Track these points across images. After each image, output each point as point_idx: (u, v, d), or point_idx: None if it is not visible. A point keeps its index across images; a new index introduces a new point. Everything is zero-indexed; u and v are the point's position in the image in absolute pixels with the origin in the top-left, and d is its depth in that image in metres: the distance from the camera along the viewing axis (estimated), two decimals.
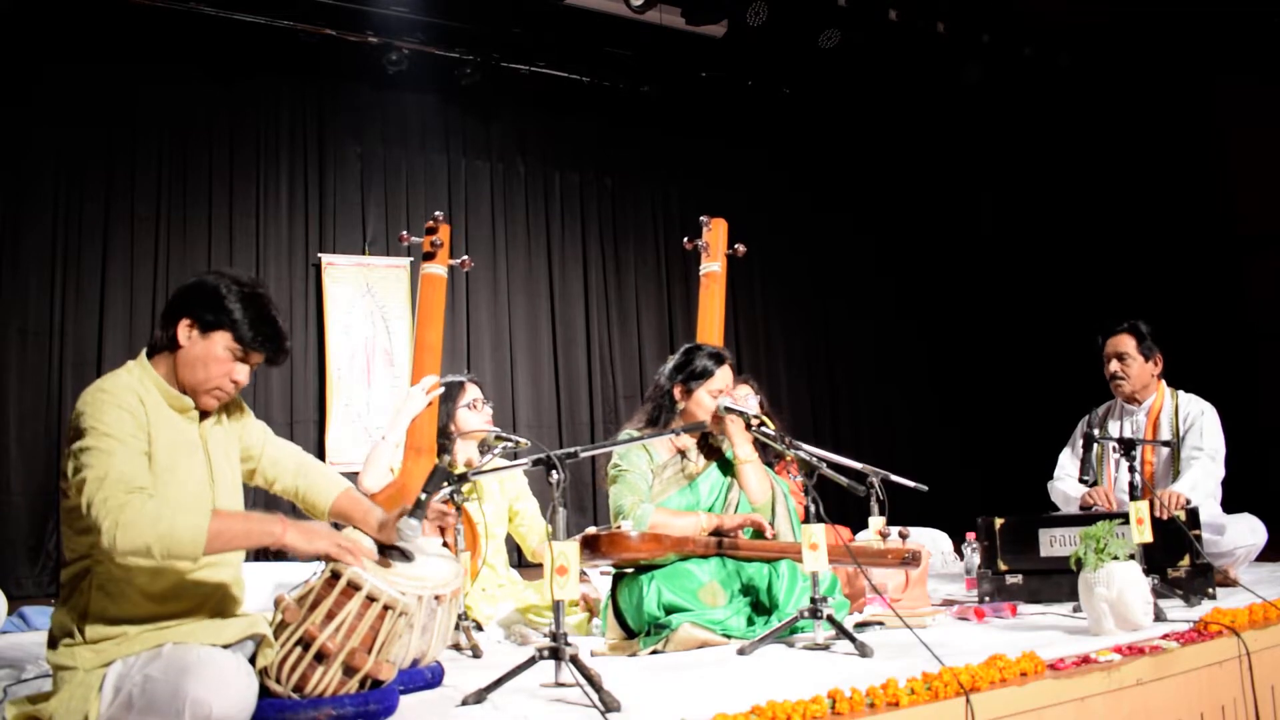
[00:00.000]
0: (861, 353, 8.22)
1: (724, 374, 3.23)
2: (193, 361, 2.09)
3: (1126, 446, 3.27)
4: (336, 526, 2.35)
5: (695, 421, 3.15)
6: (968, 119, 7.87)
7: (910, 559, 3.26)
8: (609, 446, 3.06)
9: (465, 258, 3.67)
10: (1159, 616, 2.84)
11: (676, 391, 3.24)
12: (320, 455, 6.21)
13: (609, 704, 2.03)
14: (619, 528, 2.91)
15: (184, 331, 2.09)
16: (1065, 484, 4.07)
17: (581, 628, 3.37)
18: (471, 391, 3.68)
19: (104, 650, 1.98)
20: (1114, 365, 3.96)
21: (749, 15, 6.08)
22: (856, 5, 6.31)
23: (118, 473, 1.92)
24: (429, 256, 3.58)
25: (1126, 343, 3.94)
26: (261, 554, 5.10)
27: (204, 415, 2.19)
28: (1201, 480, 3.76)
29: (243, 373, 2.12)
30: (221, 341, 2.09)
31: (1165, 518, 3.34)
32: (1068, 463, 4.13)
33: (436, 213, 3.63)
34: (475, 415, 3.64)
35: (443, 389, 3.56)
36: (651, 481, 3.16)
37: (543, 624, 3.25)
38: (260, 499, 5.57)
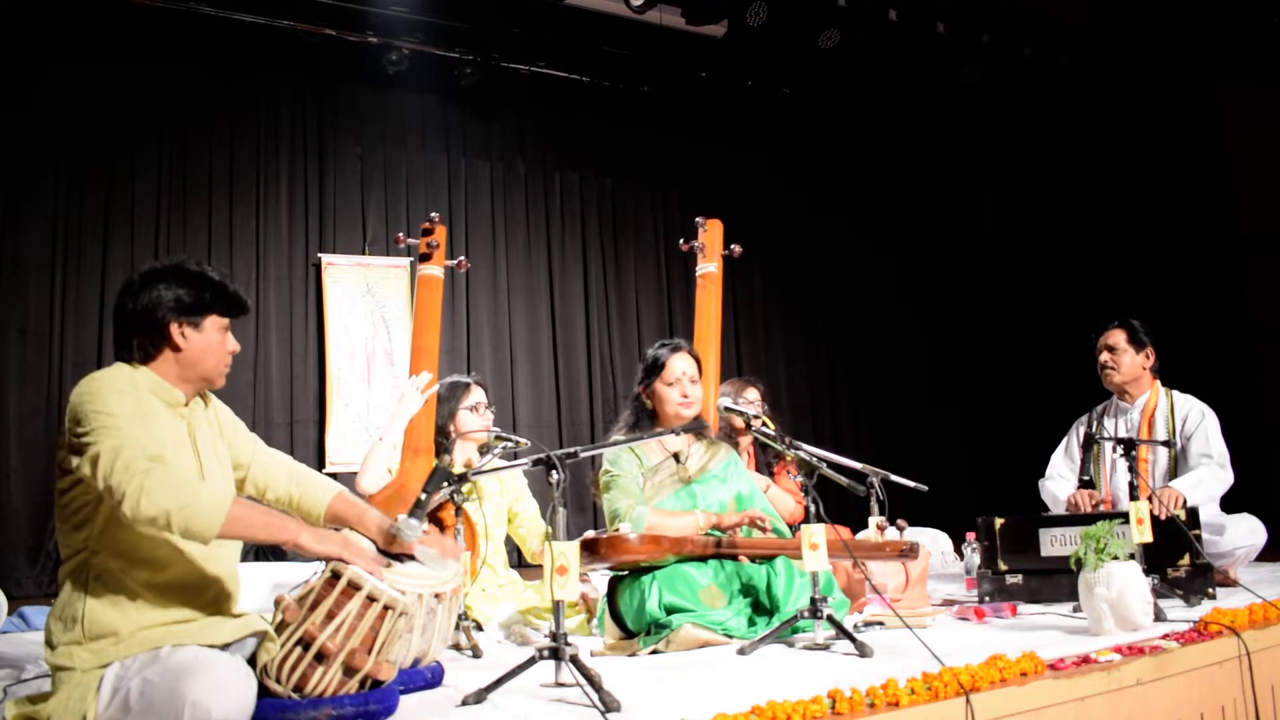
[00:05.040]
0: (861, 353, 8.22)
1: (679, 361, 3.20)
2: (200, 354, 2.15)
3: (1126, 446, 3.27)
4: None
5: (680, 421, 3.12)
6: (968, 119, 7.86)
7: (908, 550, 3.26)
8: (608, 446, 3.06)
9: (461, 258, 3.66)
10: (1159, 616, 2.84)
11: (642, 392, 3.25)
12: (320, 456, 6.22)
13: (609, 704, 2.03)
14: (617, 530, 2.91)
15: (176, 334, 2.11)
16: (1056, 484, 4.10)
17: (582, 629, 3.36)
18: (475, 394, 3.65)
19: (101, 650, 1.98)
20: (1104, 356, 4.09)
21: (749, 15, 6.08)
22: (856, 5, 6.31)
23: (135, 441, 1.94)
24: (425, 258, 3.56)
25: (1117, 336, 4.08)
26: (260, 554, 5.10)
27: (204, 404, 2.22)
28: (1208, 482, 3.77)
29: (233, 340, 2.23)
30: (214, 325, 2.16)
31: (1165, 517, 3.34)
32: (1060, 463, 4.17)
33: (432, 214, 3.62)
34: (476, 419, 3.61)
35: (442, 388, 3.55)
36: (644, 484, 3.15)
37: (543, 625, 3.24)
38: None
